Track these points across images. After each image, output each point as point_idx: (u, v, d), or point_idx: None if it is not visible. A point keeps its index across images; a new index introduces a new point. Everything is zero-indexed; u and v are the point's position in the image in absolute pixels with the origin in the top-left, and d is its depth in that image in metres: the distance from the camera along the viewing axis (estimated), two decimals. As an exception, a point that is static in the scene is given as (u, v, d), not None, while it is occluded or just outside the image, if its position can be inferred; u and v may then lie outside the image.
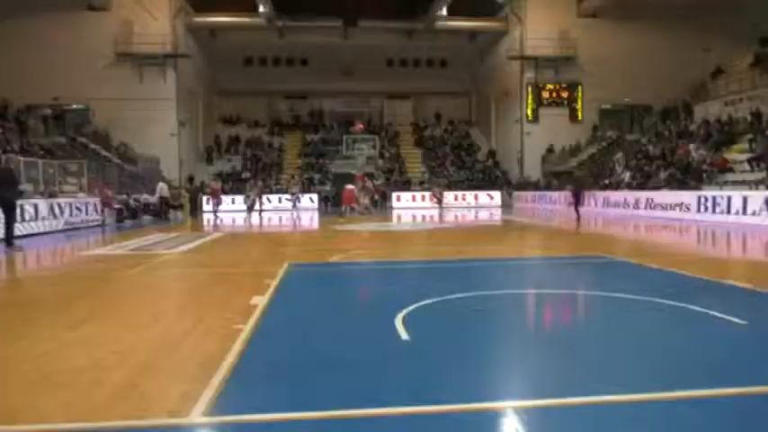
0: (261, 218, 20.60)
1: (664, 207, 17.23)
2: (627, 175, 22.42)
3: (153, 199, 20.24)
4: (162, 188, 20.23)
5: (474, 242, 11.58)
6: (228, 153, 32.97)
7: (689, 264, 7.14)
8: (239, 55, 34.69)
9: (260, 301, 5.13)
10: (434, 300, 5.02)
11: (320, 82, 34.56)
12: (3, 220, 10.47)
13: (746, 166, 17.67)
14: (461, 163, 32.92)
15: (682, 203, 16.46)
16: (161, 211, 19.77)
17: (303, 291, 6.05)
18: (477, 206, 27.61)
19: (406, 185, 30.38)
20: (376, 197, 23.25)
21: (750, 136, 19.34)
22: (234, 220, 19.26)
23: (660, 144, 23.67)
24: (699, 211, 15.63)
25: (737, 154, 18.91)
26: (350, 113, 35.57)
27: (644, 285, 5.79)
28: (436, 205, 25.49)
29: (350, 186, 21.06)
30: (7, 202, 10.13)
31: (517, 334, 4.17)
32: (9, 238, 10.17)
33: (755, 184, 15.81)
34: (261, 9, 27.99)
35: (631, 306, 4.85)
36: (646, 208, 18.08)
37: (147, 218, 19.57)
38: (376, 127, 34.58)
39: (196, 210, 22.81)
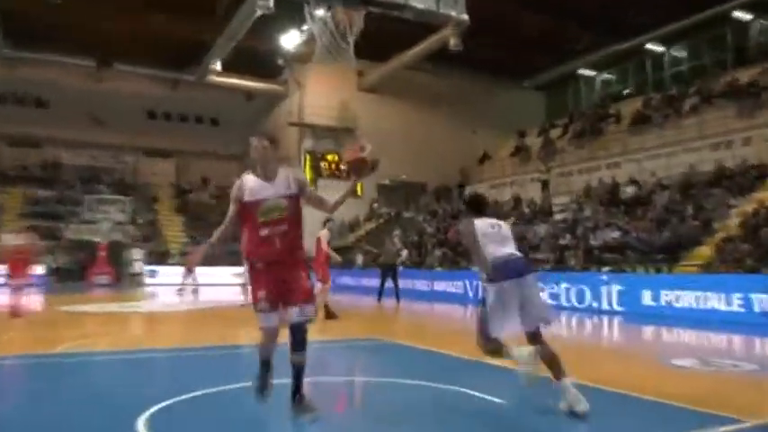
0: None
1: (441, 284, 19.01)
2: (405, 253, 24.35)
3: None
4: None
5: (241, 324, 11.37)
6: None
7: (454, 344, 7.93)
8: (-53, 85, 30.32)
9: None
10: (188, 396, 4.76)
11: (61, 129, 31.64)
12: None
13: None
14: (233, 235, 32.54)
15: (455, 284, 18.39)
16: None
17: (15, 392, 5.26)
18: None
19: (163, 257, 28.81)
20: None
21: (513, 219, 22.67)
22: None
23: (435, 222, 26.40)
24: (467, 293, 17.62)
25: (502, 236, 21.92)
26: (97, 169, 33.07)
27: (412, 368, 6.26)
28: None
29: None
30: None
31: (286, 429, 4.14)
32: None
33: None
34: (-15, 34, 25.11)
35: (401, 390, 5.19)
36: (427, 287, 19.69)
37: None
38: (129, 187, 32.59)
39: None
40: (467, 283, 17.72)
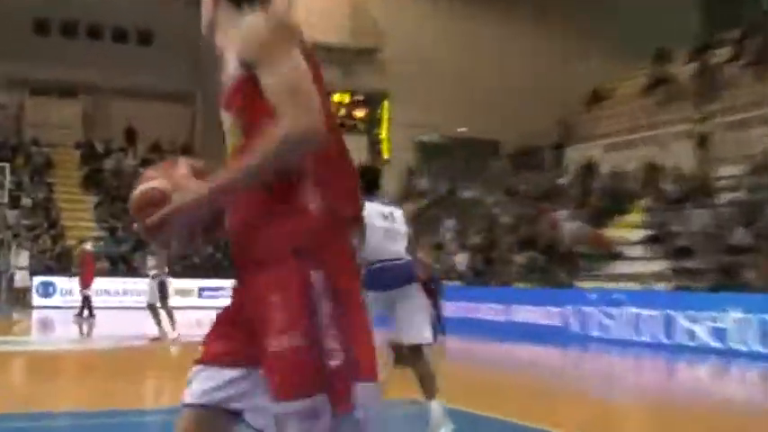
0: None
1: (525, 312, 18.86)
2: (463, 259, 24.17)
3: None
4: None
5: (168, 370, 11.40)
6: None
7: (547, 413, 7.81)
8: None
9: None
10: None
11: None
12: None
13: (640, 251, 20.28)
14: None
15: (549, 312, 18.23)
16: None
17: None
18: (205, 304, 27.46)
19: (63, 262, 29.15)
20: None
21: (645, 202, 22.35)
22: None
23: (514, 207, 26.18)
24: (569, 327, 17.47)
25: (627, 230, 21.64)
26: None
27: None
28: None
29: None
30: None
31: None
32: None
33: (653, 281, 18.18)
34: None
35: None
36: (500, 316, 19.56)
37: None
38: (7, 147, 33.02)
39: None
40: (569, 310, 17.55)
